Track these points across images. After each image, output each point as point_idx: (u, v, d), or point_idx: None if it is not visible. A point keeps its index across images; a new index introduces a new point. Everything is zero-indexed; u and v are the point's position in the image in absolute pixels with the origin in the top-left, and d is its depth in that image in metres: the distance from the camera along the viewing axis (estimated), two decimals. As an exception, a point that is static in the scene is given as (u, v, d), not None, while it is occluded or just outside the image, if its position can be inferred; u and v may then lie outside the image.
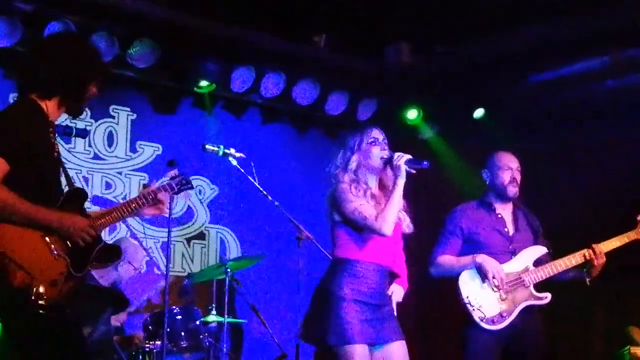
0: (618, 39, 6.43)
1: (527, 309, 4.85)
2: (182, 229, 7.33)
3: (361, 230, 4.07)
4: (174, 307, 6.09)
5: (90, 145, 6.96)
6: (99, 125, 6.98)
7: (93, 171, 6.94)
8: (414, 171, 4.06)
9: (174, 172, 3.99)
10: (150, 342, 5.82)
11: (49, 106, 3.46)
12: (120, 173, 7.09)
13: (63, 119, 4.30)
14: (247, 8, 6.67)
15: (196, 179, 7.20)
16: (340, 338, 3.93)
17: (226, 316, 5.96)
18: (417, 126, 8.02)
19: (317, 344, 4.18)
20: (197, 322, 6.05)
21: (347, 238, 4.12)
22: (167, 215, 4.85)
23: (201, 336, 6.02)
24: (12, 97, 6.58)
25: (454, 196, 6.17)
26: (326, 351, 4.03)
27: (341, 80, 7.61)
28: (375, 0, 6.72)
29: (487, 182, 5.10)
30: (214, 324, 6.14)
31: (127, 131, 7.16)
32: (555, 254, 5.00)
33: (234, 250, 7.58)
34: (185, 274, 7.08)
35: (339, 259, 4.12)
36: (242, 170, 4.95)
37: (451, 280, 4.89)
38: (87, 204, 3.63)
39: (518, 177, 5.03)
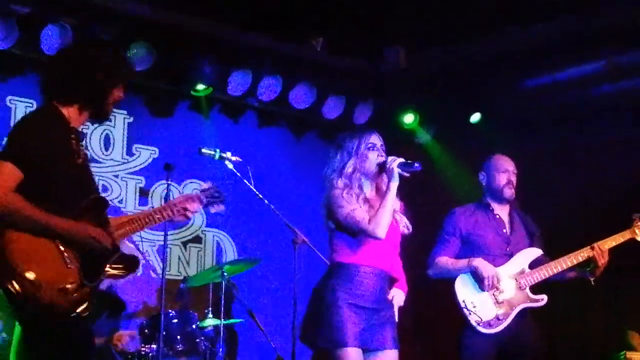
0: (618, 39, 6.43)
1: (521, 311, 4.86)
2: (179, 233, 7.30)
3: (356, 234, 4.06)
4: (170, 310, 6.07)
5: (86, 149, 6.90)
6: (95, 128, 6.94)
7: (89, 174, 6.92)
8: (407, 174, 4.05)
9: (207, 184, 3.91)
10: (147, 346, 5.81)
11: (71, 112, 3.43)
12: (116, 176, 7.07)
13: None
14: (244, 12, 6.66)
15: (192, 182, 7.19)
16: (333, 341, 3.92)
17: (222, 319, 5.95)
18: (414, 130, 8.02)
19: (312, 346, 4.17)
20: (194, 326, 6.03)
21: (343, 244, 4.11)
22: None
23: (197, 340, 6.00)
24: (8, 100, 6.60)
25: (451, 199, 6.17)
26: (321, 354, 4.02)
27: (338, 83, 7.61)
28: (372, 4, 6.71)
29: (484, 185, 5.12)
30: (210, 328, 6.13)
31: (123, 134, 7.14)
32: (555, 253, 4.99)
33: (230, 253, 7.56)
34: (182, 277, 7.05)
35: (336, 263, 4.12)
36: (239, 174, 4.93)
37: (448, 282, 4.90)
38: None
39: (514, 180, 5.06)
